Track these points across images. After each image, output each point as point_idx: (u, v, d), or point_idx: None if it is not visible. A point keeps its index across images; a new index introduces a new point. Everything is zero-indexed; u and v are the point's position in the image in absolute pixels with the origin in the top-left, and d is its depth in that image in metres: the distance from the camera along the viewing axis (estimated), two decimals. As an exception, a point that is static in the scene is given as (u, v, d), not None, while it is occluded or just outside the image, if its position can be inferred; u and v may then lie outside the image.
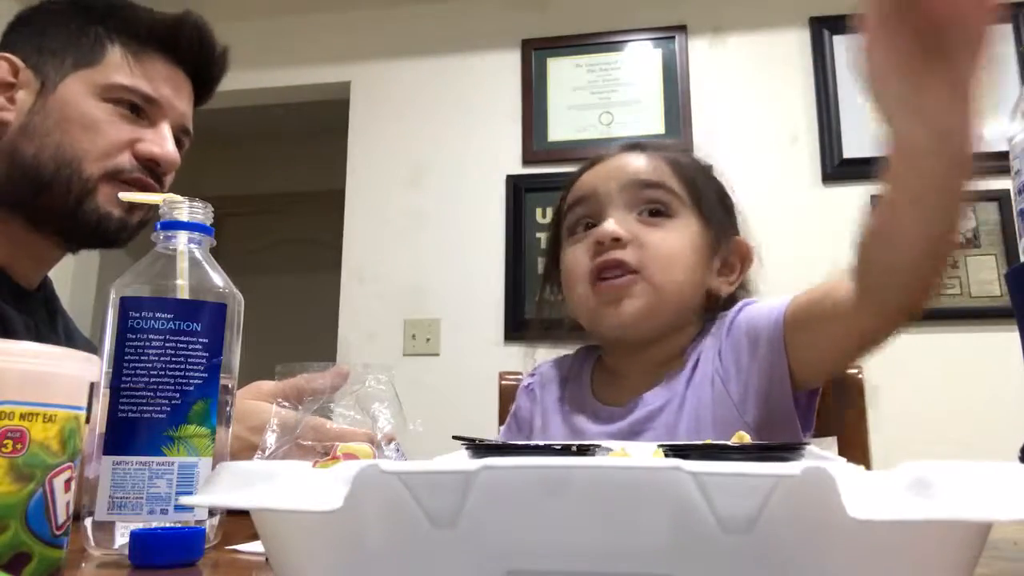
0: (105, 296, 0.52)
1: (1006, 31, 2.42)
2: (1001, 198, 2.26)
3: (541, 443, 0.53)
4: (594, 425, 0.88)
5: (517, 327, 2.44)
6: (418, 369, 2.47)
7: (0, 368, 0.35)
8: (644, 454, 0.46)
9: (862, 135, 2.41)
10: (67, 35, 0.88)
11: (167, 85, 0.90)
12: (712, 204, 0.89)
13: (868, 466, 0.99)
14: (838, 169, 2.39)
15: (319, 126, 3.30)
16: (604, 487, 0.27)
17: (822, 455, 0.46)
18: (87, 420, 0.41)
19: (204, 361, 0.51)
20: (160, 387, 0.50)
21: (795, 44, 2.51)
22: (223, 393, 0.53)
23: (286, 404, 0.62)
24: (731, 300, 0.90)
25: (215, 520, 0.51)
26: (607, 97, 2.59)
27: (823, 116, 2.42)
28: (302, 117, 3.38)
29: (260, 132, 3.89)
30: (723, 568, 0.27)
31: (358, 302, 2.60)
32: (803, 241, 2.03)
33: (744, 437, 0.47)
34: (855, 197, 2.37)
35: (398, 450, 0.59)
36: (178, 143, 0.93)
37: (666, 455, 0.41)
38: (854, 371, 1.09)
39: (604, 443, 0.51)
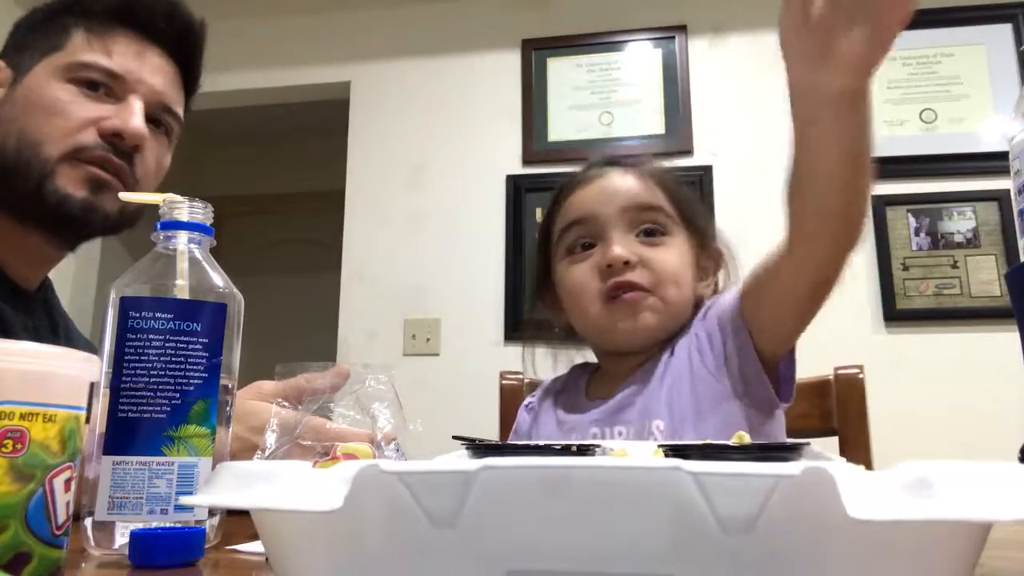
0: (105, 296, 0.52)
1: (1006, 31, 2.42)
2: (1001, 198, 2.26)
3: (541, 443, 0.53)
4: (580, 415, 0.93)
5: (517, 327, 2.44)
6: (418, 369, 2.47)
7: (0, 368, 0.35)
8: (644, 454, 0.46)
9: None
10: (39, 29, 0.89)
11: (133, 60, 0.88)
12: (696, 218, 0.96)
13: (869, 466, 0.99)
14: (838, 169, 2.39)
15: (319, 126, 3.30)
16: (604, 487, 0.27)
17: (822, 455, 0.46)
18: (87, 420, 0.41)
19: (204, 361, 0.51)
20: (160, 387, 0.50)
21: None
22: (223, 393, 0.53)
23: (286, 404, 0.62)
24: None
25: (215, 520, 0.51)
26: (607, 97, 2.59)
27: (823, 116, 2.42)
28: (302, 117, 3.38)
29: (260, 132, 3.89)
30: (723, 568, 0.27)
31: (358, 302, 2.60)
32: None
33: (744, 437, 0.47)
34: (855, 197, 2.37)
35: (398, 450, 0.59)
36: (162, 124, 0.92)
37: (666, 455, 0.41)
38: (854, 371, 1.09)
39: (604, 443, 0.51)
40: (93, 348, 0.95)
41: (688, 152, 2.47)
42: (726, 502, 0.26)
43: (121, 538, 0.47)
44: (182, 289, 0.53)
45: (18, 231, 0.87)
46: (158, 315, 0.50)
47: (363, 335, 2.57)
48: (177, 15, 0.92)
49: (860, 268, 2.32)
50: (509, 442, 1.04)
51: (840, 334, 2.23)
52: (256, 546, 0.49)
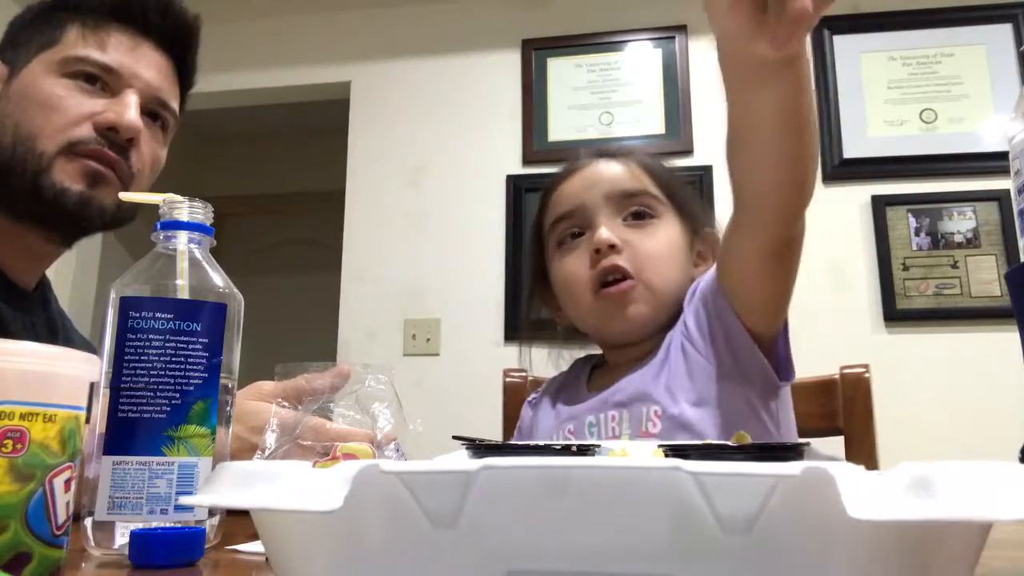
0: (105, 296, 0.52)
1: (1006, 31, 2.42)
2: (1001, 198, 2.26)
3: (541, 443, 0.53)
4: (578, 406, 0.93)
5: (517, 327, 2.44)
6: (418, 369, 2.47)
7: (0, 368, 0.35)
8: (644, 454, 0.46)
9: (862, 135, 2.41)
10: (34, 25, 0.89)
11: (127, 54, 0.88)
12: (686, 202, 0.95)
13: (875, 466, 0.99)
14: (838, 169, 2.39)
15: (319, 126, 3.30)
16: (604, 487, 0.27)
17: (822, 455, 0.46)
18: (87, 420, 0.41)
19: (204, 361, 0.51)
20: (160, 387, 0.50)
21: (795, 44, 2.51)
22: (223, 393, 0.53)
23: (286, 404, 0.62)
24: None
25: (215, 520, 0.51)
26: (607, 97, 2.60)
27: (823, 116, 2.42)
28: (302, 117, 3.38)
29: (260, 132, 3.89)
30: (723, 568, 0.27)
31: (358, 302, 2.60)
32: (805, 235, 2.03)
33: (744, 437, 0.47)
34: (855, 196, 2.37)
35: (398, 450, 0.59)
36: (158, 118, 0.92)
37: (666, 455, 0.41)
38: (860, 371, 1.08)
39: (604, 443, 0.51)
40: (91, 347, 0.96)
41: (688, 152, 2.48)
42: (726, 502, 0.26)
43: (121, 538, 0.47)
44: (182, 289, 0.53)
45: (15, 228, 0.87)
46: (158, 315, 0.50)
47: (363, 335, 2.57)
48: (171, 10, 0.92)
49: (860, 268, 2.32)
50: (511, 441, 1.05)
51: (840, 334, 2.24)
52: (256, 546, 0.49)
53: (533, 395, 1.06)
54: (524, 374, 1.24)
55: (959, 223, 2.30)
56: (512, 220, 2.53)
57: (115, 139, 0.86)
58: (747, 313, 0.81)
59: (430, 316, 2.54)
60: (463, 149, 2.64)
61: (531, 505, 0.28)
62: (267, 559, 0.39)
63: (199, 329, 0.51)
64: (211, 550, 0.49)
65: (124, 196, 0.69)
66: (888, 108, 2.41)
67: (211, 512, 0.50)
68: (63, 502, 0.37)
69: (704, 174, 2.40)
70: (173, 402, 0.50)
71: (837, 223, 2.32)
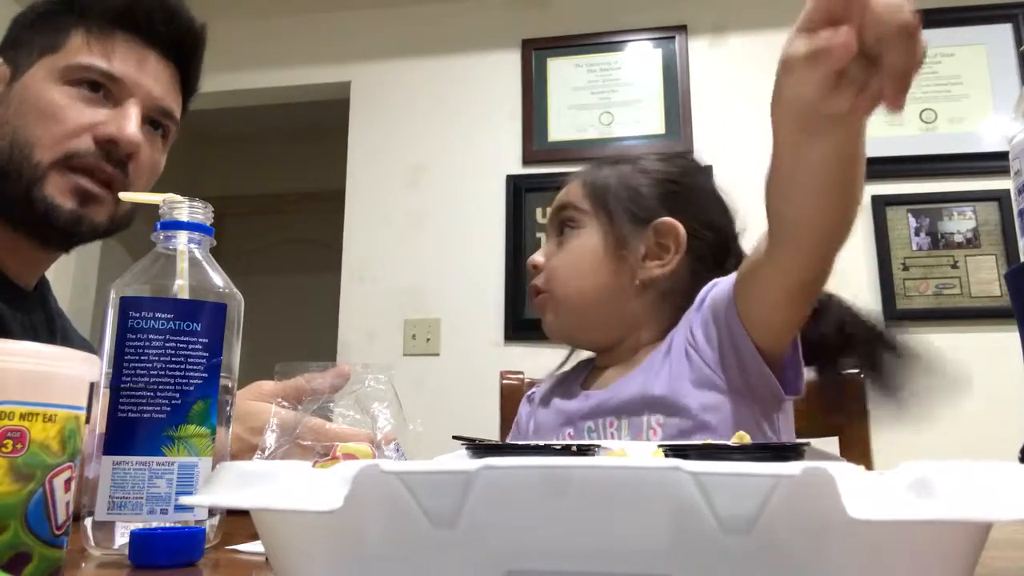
0: (105, 296, 0.52)
1: (1006, 31, 2.42)
2: (1001, 198, 2.26)
3: (541, 443, 0.53)
4: (574, 403, 0.94)
5: (517, 327, 2.44)
6: (418, 369, 2.47)
7: (0, 368, 0.35)
8: (644, 454, 0.46)
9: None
10: (37, 26, 0.88)
11: (131, 63, 0.87)
12: (618, 203, 0.93)
13: (870, 466, 0.99)
14: (838, 169, 2.39)
15: (319, 126, 3.30)
16: (604, 487, 0.27)
17: (823, 455, 0.46)
18: (87, 420, 0.41)
19: (204, 361, 0.51)
20: (160, 387, 0.50)
21: (795, 44, 2.51)
22: (223, 393, 0.53)
23: (285, 404, 0.62)
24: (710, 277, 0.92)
25: (215, 520, 0.51)
26: (607, 97, 2.60)
27: (823, 116, 2.42)
28: (302, 117, 3.38)
29: (260, 132, 3.89)
30: (723, 568, 0.27)
31: (358, 302, 2.60)
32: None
33: (744, 437, 0.47)
34: (855, 197, 2.37)
35: (398, 450, 0.59)
36: (160, 127, 0.91)
37: (666, 455, 0.41)
38: (854, 371, 1.08)
39: (604, 443, 0.51)
40: (90, 347, 0.96)
41: (688, 152, 2.48)
42: (726, 502, 0.26)
43: (121, 538, 0.47)
44: (182, 289, 0.53)
45: (11, 233, 0.86)
46: (158, 315, 0.50)
47: (363, 335, 2.57)
48: (177, 19, 0.91)
49: (860, 268, 2.32)
50: (510, 436, 1.07)
51: (840, 334, 2.24)
52: (256, 546, 0.49)
53: (532, 390, 1.08)
54: (521, 375, 1.24)
55: (959, 223, 2.30)
56: (512, 220, 2.53)
57: (115, 152, 0.84)
58: (763, 336, 0.81)
59: (430, 316, 2.54)
60: (463, 149, 2.64)
61: (531, 505, 0.28)
62: (267, 559, 0.39)
63: (199, 329, 0.51)
64: (211, 550, 0.49)
65: (124, 196, 0.69)
66: (888, 108, 2.41)
67: (211, 512, 0.50)
68: (63, 502, 0.37)
69: (704, 174, 2.40)
70: (173, 402, 0.50)
71: (837, 223, 2.31)
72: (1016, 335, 0.52)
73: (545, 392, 1.02)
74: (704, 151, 2.46)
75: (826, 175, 0.65)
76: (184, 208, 0.55)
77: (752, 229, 1.01)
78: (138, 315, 0.50)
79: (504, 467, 0.28)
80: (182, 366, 0.50)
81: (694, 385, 0.84)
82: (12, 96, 0.85)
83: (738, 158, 2.44)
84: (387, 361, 0.78)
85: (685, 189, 0.96)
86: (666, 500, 0.27)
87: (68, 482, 0.37)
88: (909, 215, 2.33)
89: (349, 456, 0.47)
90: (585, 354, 1.06)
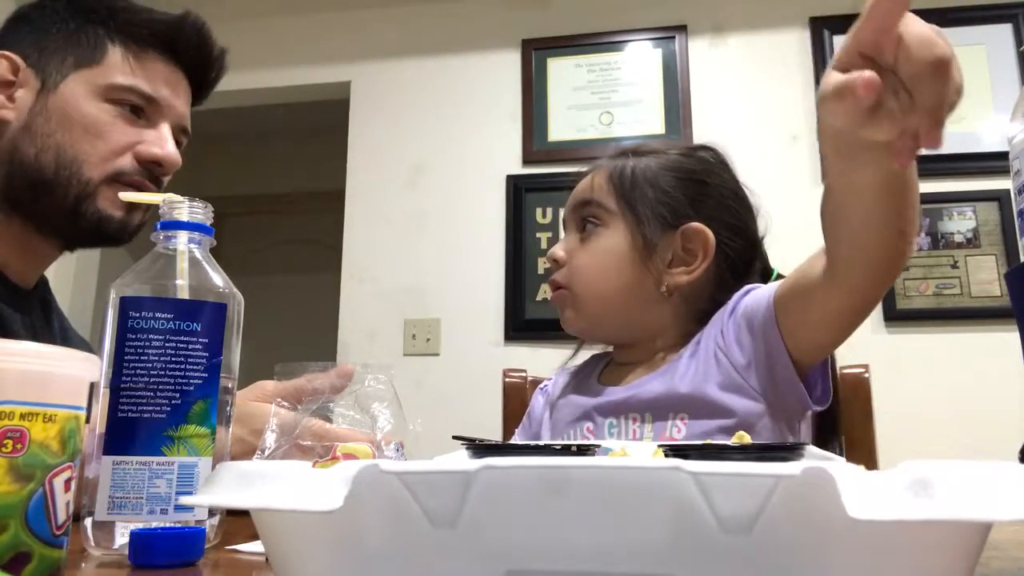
0: (105, 296, 0.52)
1: (1006, 31, 2.42)
2: (1001, 198, 2.26)
3: (541, 443, 0.53)
4: (592, 398, 0.93)
5: (517, 327, 2.44)
6: (418, 369, 2.47)
7: (0, 368, 0.35)
8: (644, 454, 0.46)
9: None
10: (67, 35, 0.88)
11: (166, 85, 0.90)
12: (645, 205, 0.91)
13: (875, 467, 0.99)
14: (838, 169, 2.39)
15: (319, 126, 3.30)
16: (604, 487, 0.27)
17: (823, 455, 0.46)
18: (87, 420, 0.41)
19: (204, 361, 0.51)
20: (160, 387, 0.50)
21: (795, 44, 2.51)
22: (223, 393, 0.53)
23: (285, 404, 0.62)
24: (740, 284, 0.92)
25: (215, 520, 0.51)
26: (607, 97, 2.59)
27: (823, 116, 2.42)
28: (302, 117, 3.37)
29: (260, 132, 3.89)
30: (723, 568, 0.27)
31: (358, 302, 2.60)
32: (803, 240, 2.03)
33: (744, 437, 0.47)
34: (855, 197, 2.37)
35: (398, 450, 0.59)
36: (177, 143, 0.93)
37: (666, 455, 0.41)
38: (859, 371, 1.08)
39: (604, 443, 0.51)
40: (89, 347, 0.96)
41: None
42: (726, 502, 0.26)
43: (121, 538, 0.47)
44: (182, 289, 0.53)
45: (29, 236, 0.88)
46: (158, 315, 0.50)
47: (363, 335, 2.57)
48: (206, 44, 0.94)
49: (860, 268, 2.32)
50: (520, 429, 1.06)
51: (840, 334, 2.23)
52: (256, 546, 0.49)
53: (545, 383, 1.07)
54: (524, 374, 1.24)
55: (959, 223, 2.30)
56: (512, 220, 2.53)
57: (156, 172, 0.88)
58: (801, 351, 0.81)
59: (430, 316, 2.54)
60: (463, 149, 2.64)
61: (531, 505, 0.28)
62: (267, 559, 0.39)
63: (199, 329, 0.51)
64: (211, 550, 0.49)
65: (124, 196, 0.69)
66: (888, 108, 2.41)
67: (211, 512, 0.50)
68: (63, 502, 0.37)
69: (704, 174, 2.40)
70: (173, 402, 0.50)
71: (837, 223, 2.31)
72: (1016, 335, 0.52)
73: (561, 386, 1.01)
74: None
75: (875, 203, 0.65)
76: (184, 208, 0.55)
77: (769, 232, 1.00)
78: (138, 315, 0.50)
79: (504, 467, 0.28)
80: (182, 366, 0.50)
81: (721, 388, 0.83)
82: (51, 108, 0.85)
83: (738, 158, 2.44)
84: (387, 361, 0.78)
85: (712, 189, 0.94)
86: (666, 500, 0.27)
87: (68, 482, 0.38)
88: (909, 215, 2.33)
89: (349, 456, 0.47)
90: (594, 348, 1.05)
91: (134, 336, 0.50)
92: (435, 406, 2.31)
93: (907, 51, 0.48)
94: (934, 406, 2.15)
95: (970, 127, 2.36)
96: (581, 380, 1.00)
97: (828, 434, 0.95)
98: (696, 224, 0.90)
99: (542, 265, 2.42)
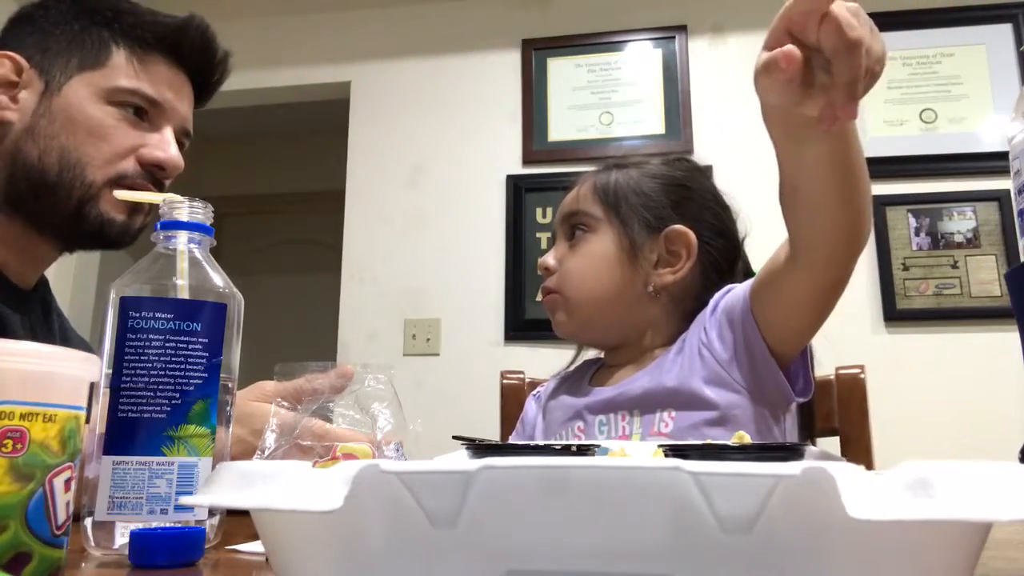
0: (105, 296, 0.52)
1: (1006, 31, 2.42)
2: (1001, 198, 2.26)
3: (541, 443, 0.53)
4: (583, 399, 0.96)
5: (517, 327, 2.44)
6: (418, 369, 2.47)
7: (0, 368, 0.35)
8: (643, 454, 0.46)
9: (862, 135, 2.41)
10: (71, 36, 0.88)
11: (169, 88, 0.90)
12: (630, 210, 0.95)
13: (870, 466, 0.99)
14: (838, 169, 2.39)
15: (319, 126, 3.30)
16: (604, 487, 0.27)
17: (823, 455, 0.46)
18: (87, 420, 0.41)
19: (204, 361, 0.51)
20: (160, 387, 0.50)
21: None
22: (223, 393, 0.53)
23: (285, 404, 0.62)
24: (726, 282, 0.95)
25: (215, 520, 0.51)
26: (607, 97, 2.59)
27: (823, 116, 2.42)
28: (302, 117, 3.37)
29: (260, 132, 3.89)
30: (723, 568, 0.27)
31: (358, 302, 2.60)
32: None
33: (744, 437, 0.47)
34: (855, 197, 2.37)
35: (398, 450, 0.59)
36: (180, 145, 0.93)
37: (666, 455, 0.41)
38: (855, 371, 1.09)
39: (604, 443, 0.51)
40: (89, 347, 0.96)
41: (688, 152, 2.47)
42: (726, 502, 0.26)
43: (121, 538, 0.47)
44: (182, 289, 0.53)
45: (29, 237, 0.87)
46: (158, 315, 0.50)
47: (363, 335, 2.57)
48: (210, 48, 0.94)
49: (860, 268, 2.30)
50: (514, 434, 1.08)
51: (840, 334, 2.23)
52: (256, 546, 0.49)
53: (538, 389, 1.09)
54: (522, 375, 1.25)
55: (959, 223, 2.30)
56: (512, 220, 2.53)
57: (158, 175, 0.88)
58: (777, 340, 0.84)
59: (430, 316, 2.54)
60: (463, 149, 2.64)
61: (531, 505, 0.28)
62: (267, 559, 0.39)
63: (199, 329, 0.51)
64: (211, 550, 0.49)
65: (120, 195, 0.69)
66: (888, 108, 2.41)
67: (211, 512, 0.50)
68: (63, 502, 0.37)
69: (704, 174, 2.40)
70: (173, 402, 0.50)
71: (837, 223, 2.31)
72: (1016, 335, 0.52)
73: (552, 389, 1.04)
74: (704, 151, 2.46)
75: (826, 182, 0.68)
76: (184, 208, 0.55)
77: (755, 232, 1.01)
78: (138, 315, 0.50)
79: (504, 467, 0.28)
80: (182, 366, 0.50)
81: (705, 383, 0.86)
82: (55, 110, 0.85)
83: (738, 158, 2.44)
84: (387, 361, 0.77)
85: (693, 194, 0.98)
86: (666, 500, 0.27)
87: (68, 482, 0.38)
88: (909, 215, 2.33)
89: (349, 456, 0.47)
90: (590, 354, 1.07)
91: (134, 336, 0.50)
92: (435, 406, 2.31)
93: (826, 32, 0.53)
94: (934, 406, 2.15)
95: (970, 127, 2.36)
96: (572, 384, 1.02)
97: (803, 429, 0.97)
98: (678, 227, 0.94)
99: (542, 265, 2.42)
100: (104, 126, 0.85)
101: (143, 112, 0.88)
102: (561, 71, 2.64)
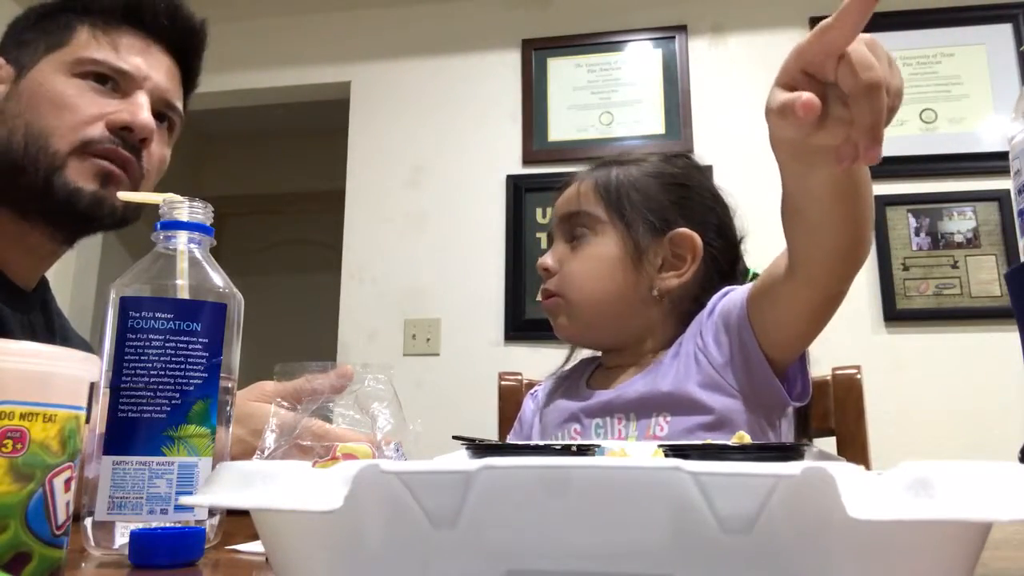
0: (105, 296, 0.52)
1: (1006, 31, 2.42)
2: (1001, 198, 2.26)
3: (541, 443, 0.53)
4: (580, 401, 0.95)
5: (517, 327, 2.44)
6: (418, 369, 2.47)
7: (0, 368, 0.35)
8: (644, 454, 0.46)
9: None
10: (41, 25, 0.89)
11: (138, 56, 0.89)
12: (634, 212, 0.94)
13: (867, 466, 0.99)
14: (838, 169, 2.39)
15: (319, 126, 3.30)
16: (604, 487, 0.27)
17: (823, 455, 0.46)
18: (87, 420, 0.41)
19: (204, 361, 0.51)
20: (160, 387, 0.50)
21: (795, 44, 2.51)
22: (223, 393, 0.53)
23: (285, 404, 0.62)
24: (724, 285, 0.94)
25: (215, 520, 0.51)
26: (607, 97, 2.59)
27: (823, 116, 2.42)
28: (302, 117, 3.38)
29: (260, 132, 3.89)
30: (723, 568, 0.27)
31: (358, 302, 2.60)
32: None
33: (744, 437, 0.47)
34: (855, 197, 2.37)
35: (398, 450, 0.59)
36: (165, 119, 0.92)
37: (666, 455, 0.41)
38: (852, 371, 1.09)
39: (604, 443, 0.51)
40: (90, 348, 0.96)
41: (688, 152, 2.48)
42: (726, 502, 0.26)
43: (121, 538, 0.47)
44: (182, 289, 0.53)
45: (20, 227, 0.87)
46: (158, 315, 0.50)
47: (363, 335, 2.57)
48: (179, 15, 0.93)
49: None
50: (511, 433, 1.08)
51: (840, 334, 2.23)
52: (256, 546, 0.49)
53: (535, 389, 1.09)
54: (520, 376, 1.25)
55: (959, 223, 2.30)
56: (512, 220, 2.53)
57: (128, 139, 0.86)
58: (773, 348, 0.83)
59: (430, 316, 2.54)
60: (463, 149, 2.64)
61: (531, 505, 0.28)
62: (267, 559, 0.39)
63: (199, 329, 0.51)
64: (211, 550, 0.49)
65: (123, 196, 0.69)
66: (888, 108, 2.41)
67: (211, 512, 0.50)
68: (63, 502, 0.37)
69: (704, 174, 2.40)
70: (173, 402, 0.50)
71: (837, 223, 2.31)
72: (1016, 335, 0.52)
73: (549, 390, 1.03)
74: (704, 151, 2.46)
75: (831, 204, 0.67)
76: (184, 208, 0.55)
77: (755, 232, 1.01)
78: (138, 315, 0.50)
79: (504, 467, 0.28)
80: (182, 366, 0.50)
81: (701, 387, 0.86)
82: (21, 91, 0.86)
83: (738, 158, 2.44)
84: (387, 361, 0.77)
85: (693, 193, 0.97)
86: (666, 500, 0.27)
87: (68, 482, 0.37)
88: (909, 215, 2.33)
89: (349, 456, 0.47)
90: (585, 352, 1.06)
91: (134, 336, 0.50)
92: (435, 406, 2.31)
93: (844, 74, 0.51)
94: (934, 406, 2.15)
95: (970, 127, 2.36)
96: (569, 385, 1.02)
97: (799, 430, 0.97)
98: (684, 230, 0.93)
99: (542, 265, 2.42)
100: (66, 96, 0.84)
101: (111, 80, 0.87)
102: (561, 71, 2.64)
